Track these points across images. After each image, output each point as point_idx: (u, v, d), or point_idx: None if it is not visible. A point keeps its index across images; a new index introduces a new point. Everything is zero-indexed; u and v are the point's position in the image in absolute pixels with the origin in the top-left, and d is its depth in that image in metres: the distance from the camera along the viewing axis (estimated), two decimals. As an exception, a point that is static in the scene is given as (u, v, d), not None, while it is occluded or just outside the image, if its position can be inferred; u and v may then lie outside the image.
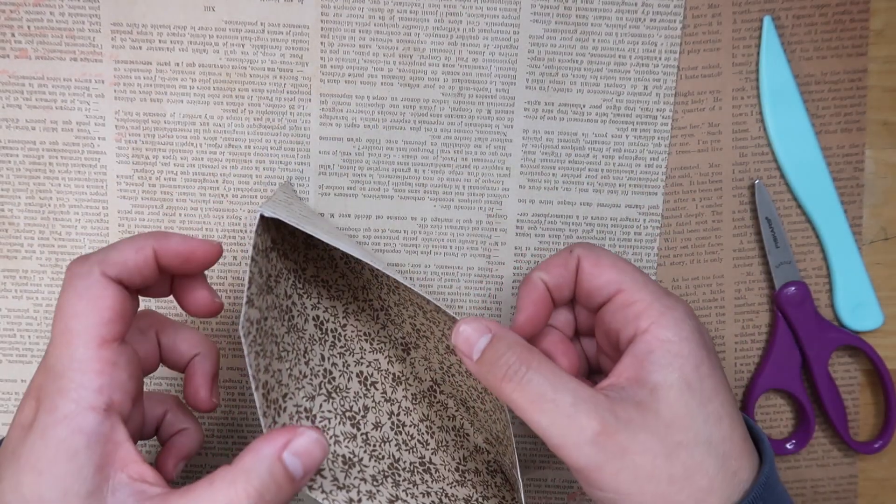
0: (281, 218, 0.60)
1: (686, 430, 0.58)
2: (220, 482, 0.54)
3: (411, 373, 0.76)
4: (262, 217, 0.60)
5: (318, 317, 0.72)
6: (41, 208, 0.77)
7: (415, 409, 0.74)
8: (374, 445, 0.68)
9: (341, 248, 0.62)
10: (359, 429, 0.68)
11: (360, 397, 0.71)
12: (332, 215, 0.78)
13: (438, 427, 0.75)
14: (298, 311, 0.70)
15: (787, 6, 0.78)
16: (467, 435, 0.75)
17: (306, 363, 0.69)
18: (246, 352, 0.58)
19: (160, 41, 0.76)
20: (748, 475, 0.59)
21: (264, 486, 0.54)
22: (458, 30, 0.77)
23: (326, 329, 0.72)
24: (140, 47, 0.76)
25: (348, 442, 0.66)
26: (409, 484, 0.66)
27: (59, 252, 0.78)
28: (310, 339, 0.70)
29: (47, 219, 0.77)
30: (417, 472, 0.69)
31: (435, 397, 0.76)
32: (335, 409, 0.68)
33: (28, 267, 0.78)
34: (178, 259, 0.61)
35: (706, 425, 0.58)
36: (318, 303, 0.73)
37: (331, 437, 0.63)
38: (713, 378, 0.60)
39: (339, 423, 0.67)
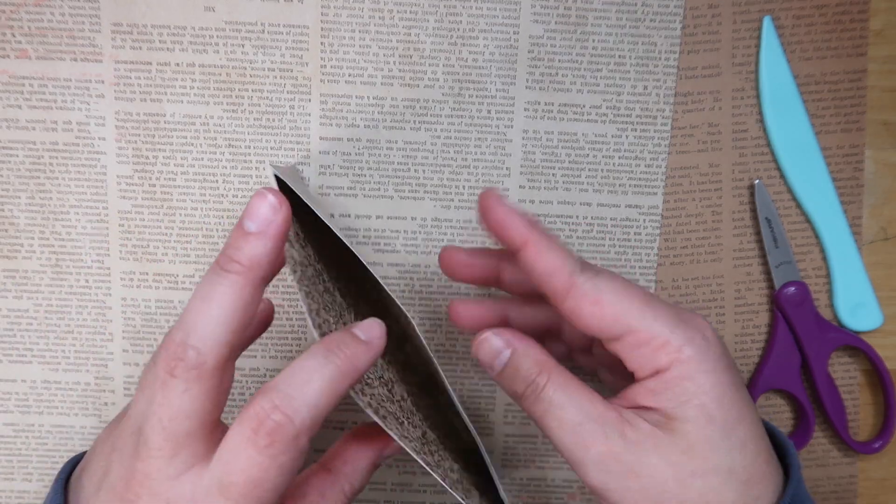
0: (289, 184, 0.60)
1: (705, 460, 0.57)
2: (331, 493, 0.61)
3: (409, 364, 0.76)
4: (276, 177, 0.61)
5: (340, 288, 0.71)
6: (41, 208, 0.77)
7: (420, 394, 0.74)
8: (408, 413, 0.67)
9: (339, 236, 0.62)
10: (393, 396, 0.67)
11: (384, 370, 0.70)
12: (333, 215, 0.78)
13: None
14: (325, 277, 0.69)
15: (787, 6, 0.78)
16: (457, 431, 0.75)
17: (343, 324, 0.67)
18: (298, 288, 0.58)
19: (160, 41, 0.76)
20: (771, 498, 0.58)
21: (360, 487, 0.63)
22: (458, 30, 0.77)
23: (348, 301, 0.72)
24: (140, 47, 0.76)
25: (389, 404, 0.65)
26: (439, 457, 0.66)
27: (59, 252, 0.78)
28: (339, 305, 0.69)
29: (47, 219, 0.77)
30: (440, 450, 0.68)
31: (430, 390, 0.75)
32: (373, 373, 0.68)
33: (28, 267, 0.78)
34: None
35: (729, 454, 0.57)
36: (339, 275, 0.72)
37: (375, 399, 0.63)
38: (737, 405, 0.58)
39: (379, 385, 0.67)
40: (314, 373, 0.54)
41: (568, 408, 0.58)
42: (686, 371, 0.58)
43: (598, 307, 0.58)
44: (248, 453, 0.52)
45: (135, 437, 0.54)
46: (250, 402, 0.53)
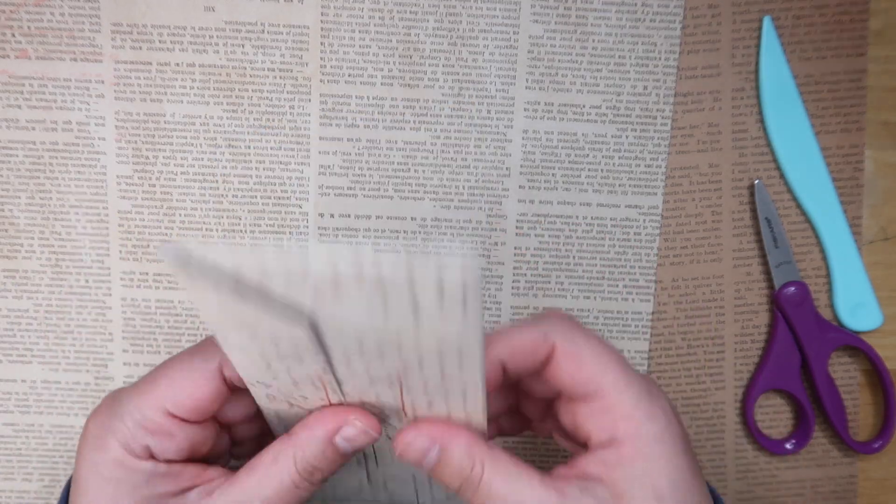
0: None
1: None
2: (283, 459, 0.57)
3: None
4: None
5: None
6: (41, 208, 0.77)
7: None
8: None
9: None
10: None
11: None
12: (332, 215, 0.78)
13: None
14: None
15: (787, 6, 0.78)
16: None
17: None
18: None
19: (160, 41, 0.76)
20: None
21: (317, 461, 0.57)
22: (458, 30, 0.77)
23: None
24: (140, 47, 0.76)
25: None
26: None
27: (59, 252, 0.78)
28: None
29: (47, 219, 0.77)
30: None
31: None
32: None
33: (28, 267, 0.78)
34: None
35: None
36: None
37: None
38: (692, 491, 0.56)
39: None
40: None
41: (508, 497, 0.56)
42: (642, 448, 0.55)
43: (577, 364, 0.57)
44: None
45: None
46: None
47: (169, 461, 0.58)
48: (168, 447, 0.57)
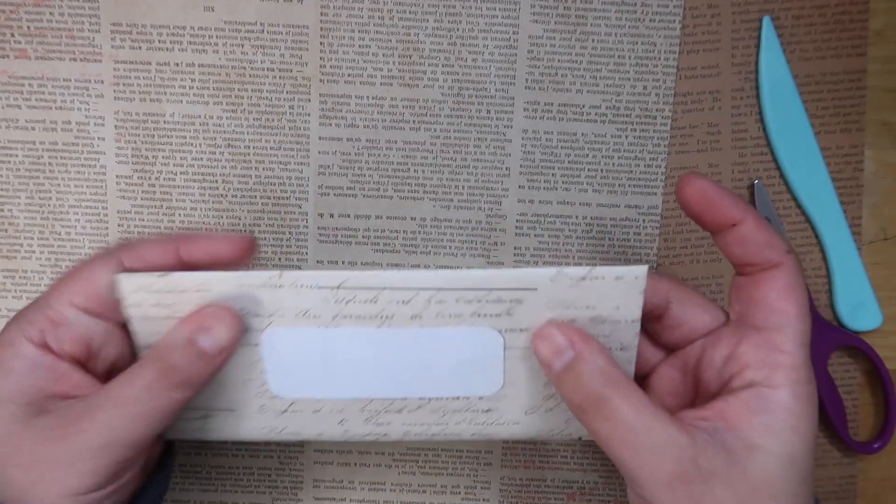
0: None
1: (774, 501, 0.53)
2: (138, 366, 0.58)
3: None
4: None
5: None
6: (41, 208, 0.77)
7: None
8: None
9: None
10: None
11: None
12: (332, 215, 0.78)
13: None
14: None
15: (787, 6, 0.78)
16: None
17: None
18: None
19: (160, 41, 0.76)
20: None
21: (175, 364, 0.57)
22: (458, 30, 0.77)
23: None
24: (139, 47, 0.76)
25: None
26: None
27: (58, 252, 0.78)
28: None
29: (47, 219, 0.77)
30: None
31: None
32: None
33: (28, 267, 0.78)
34: (204, 264, 0.61)
35: (796, 500, 0.54)
36: None
37: None
38: (810, 461, 0.55)
39: None
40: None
41: (637, 429, 0.54)
42: (795, 404, 0.54)
43: (788, 292, 0.56)
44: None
45: None
46: None
47: (59, 356, 0.59)
48: (63, 336, 0.59)
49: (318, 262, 0.79)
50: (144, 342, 0.62)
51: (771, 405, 0.54)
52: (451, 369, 0.64)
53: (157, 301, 0.60)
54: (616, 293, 0.60)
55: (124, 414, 0.56)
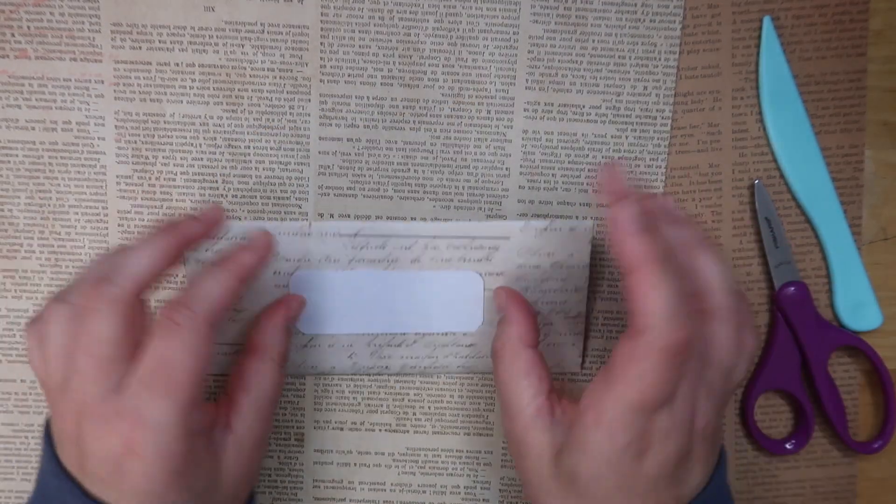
0: None
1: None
2: (257, 362, 0.70)
3: None
4: None
5: None
6: (41, 208, 0.77)
7: None
8: None
9: None
10: None
11: None
12: (332, 215, 0.79)
13: None
14: None
15: (787, 6, 0.78)
16: None
17: None
18: None
19: (160, 41, 0.76)
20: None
21: (285, 350, 0.72)
22: (458, 30, 0.77)
23: None
24: (140, 47, 0.76)
25: None
26: None
27: (58, 252, 0.78)
28: None
29: (47, 219, 0.77)
30: None
31: None
32: None
33: (28, 267, 0.78)
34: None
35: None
36: None
37: None
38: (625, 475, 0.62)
39: None
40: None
41: (506, 392, 0.68)
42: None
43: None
44: (154, 344, 0.59)
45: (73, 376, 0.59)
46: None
47: None
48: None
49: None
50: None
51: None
52: (441, 308, 0.79)
53: (208, 246, 0.74)
54: (570, 242, 0.76)
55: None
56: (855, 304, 0.80)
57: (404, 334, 0.79)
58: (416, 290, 0.78)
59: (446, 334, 0.80)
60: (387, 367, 0.80)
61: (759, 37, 0.78)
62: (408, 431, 0.81)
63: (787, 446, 0.81)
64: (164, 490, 0.59)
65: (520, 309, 0.71)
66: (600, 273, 0.80)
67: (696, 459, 0.61)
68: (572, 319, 0.79)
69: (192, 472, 0.60)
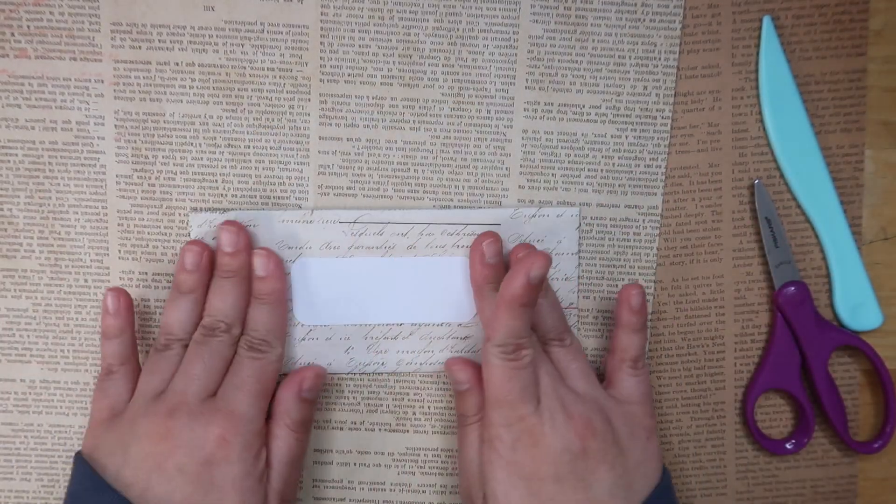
0: None
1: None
2: (275, 427, 0.75)
3: None
4: None
5: None
6: (40, 208, 0.77)
7: None
8: None
9: None
10: None
11: None
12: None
13: None
14: None
15: (787, 6, 0.78)
16: None
17: None
18: None
19: (160, 41, 0.76)
20: None
21: (300, 417, 0.76)
22: (458, 30, 0.77)
23: None
24: (139, 47, 0.76)
25: None
26: None
27: (58, 252, 0.78)
28: None
29: (46, 218, 0.77)
30: None
31: None
32: None
33: (27, 266, 0.78)
34: None
35: None
36: None
37: None
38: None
39: None
40: None
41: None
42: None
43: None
44: (245, 363, 0.74)
45: (158, 405, 0.71)
46: None
47: None
48: None
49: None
50: None
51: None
52: (436, 295, 0.81)
53: (216, 234, 0.76)
54: (558, 228, 0.79)
55: None
56: (855, 304, 0.80)
57: (401, 325, 0.81)
58: (411, 277, 0.80)
59: (441, 325, 0.81)
60: (383, 364, 0.81)
61: (759, 37, 0.78)
62: (408, 431, 0.81)
63: (788, 446, 0.81)
64: (240, 483, 0.71)
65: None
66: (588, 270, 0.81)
67: (596, 459, 0.69)
68: (565, 310, 0.79)
69: (256, 482, 0.72)
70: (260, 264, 0.75)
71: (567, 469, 0.68)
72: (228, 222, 0.76)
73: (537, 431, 0.69)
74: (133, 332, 0.76)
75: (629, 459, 0.71)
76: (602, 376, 0.78)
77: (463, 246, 0.79)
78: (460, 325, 0.81)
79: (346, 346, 0.81)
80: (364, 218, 0.78)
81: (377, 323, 0.80)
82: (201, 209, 0.78)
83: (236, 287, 0.75)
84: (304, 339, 0.80)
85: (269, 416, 0.75)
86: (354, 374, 0.80)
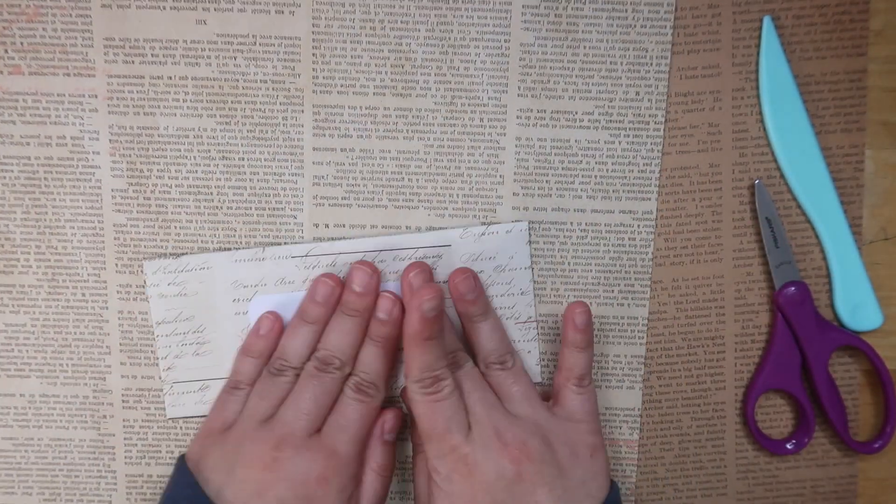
0: None
1: None
2: (364, 472, 0.77)
3: None
4: None
5: None
6: (37, 223, 0.78)
7: None
8: None
9: None
10: None
11: None
12: (327, 225, 0.79)
13: None
14: None
15: (787, 6, 0.77)
16: None
17: None
18: None
19: (153, 55, 0.77)
20: None
21: (385, 461, 0.78)
22: (450, 39, 0.77)
23: None
24: (133, 61, 0.77)
25: None
26: None
27: (55, 266, 0.79)
28: None
29: (43, 233, 0.78)
30: None
31: None
32: None
33: (25, 282, 0.79)
34: None
35: None
36: None
37: None
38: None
39: None
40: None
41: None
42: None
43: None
44: (350, 406, 0.76)
45: (265, 432, 0.74)
46: None
47: None
48: None
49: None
50: (158, 318, 0.80)
51: None
52: None
53: (171, 280, 0.79)
54: (509, 245, 0.80)
55: None
56: (855, 304, 0.79)
57: None
58: None
59: (401, 350, 0.79)
60: None
61: (759, 37, 0.78)
62: (406, 440, 0.82)
63: (788, 446, 0.81)
64: None
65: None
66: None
67: (532, 482, 0.71)
68: (523, 325, 0.80)
69: None
70: (384, 307, 0.77)
71: (504, 495, 0.70)
72: (363, 262, 0.78)
73: (470, 461, 0.71)
74: (271, 356, 0.78)
75: (570, 479, 0.72)
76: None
77: None
78: None
79: None
80: (315, 251, 0.79)
81: None
82: (154, 256, 0.79)
83: (357, 326, 0.77)
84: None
85: None
86: None
